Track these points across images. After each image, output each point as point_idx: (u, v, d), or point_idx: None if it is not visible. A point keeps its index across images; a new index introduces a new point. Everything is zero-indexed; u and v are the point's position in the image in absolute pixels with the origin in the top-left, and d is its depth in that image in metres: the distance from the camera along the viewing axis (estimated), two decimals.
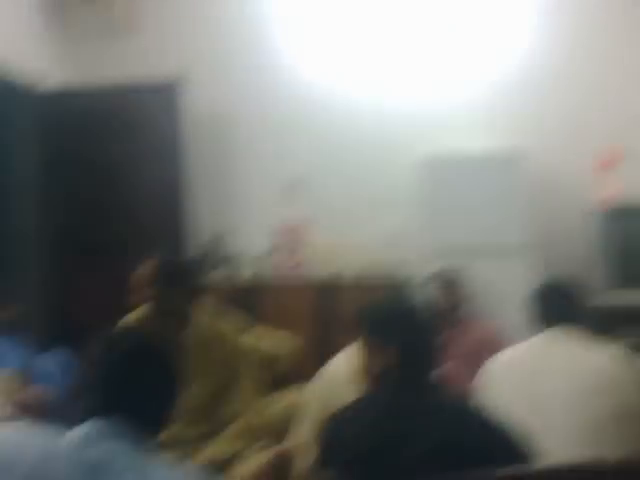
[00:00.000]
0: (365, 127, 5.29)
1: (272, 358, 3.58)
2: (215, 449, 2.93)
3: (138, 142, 5.16)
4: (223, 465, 2.84)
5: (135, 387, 1.74)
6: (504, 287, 4.35)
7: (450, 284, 4.15)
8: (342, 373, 2.50)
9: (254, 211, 5.41)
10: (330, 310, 4.76)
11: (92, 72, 5.38)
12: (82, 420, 1.68)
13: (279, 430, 2.92)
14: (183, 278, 3.13)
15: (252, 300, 4.66)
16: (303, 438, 2.65)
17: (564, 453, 2.21)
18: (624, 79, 5.15)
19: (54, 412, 3.49)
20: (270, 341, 3.78)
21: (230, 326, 3.31)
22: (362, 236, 5.16)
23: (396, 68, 5.33)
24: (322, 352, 3.10)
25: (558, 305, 2.71)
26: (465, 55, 5.27)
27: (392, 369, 2.02)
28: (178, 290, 3.07)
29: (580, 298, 2.77)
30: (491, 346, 3.02)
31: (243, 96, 5.42)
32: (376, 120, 5.29)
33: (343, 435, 1.97)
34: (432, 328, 2.12)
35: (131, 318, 3.12)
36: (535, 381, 2.52)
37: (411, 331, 2.06)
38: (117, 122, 5.18)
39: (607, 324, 4.12)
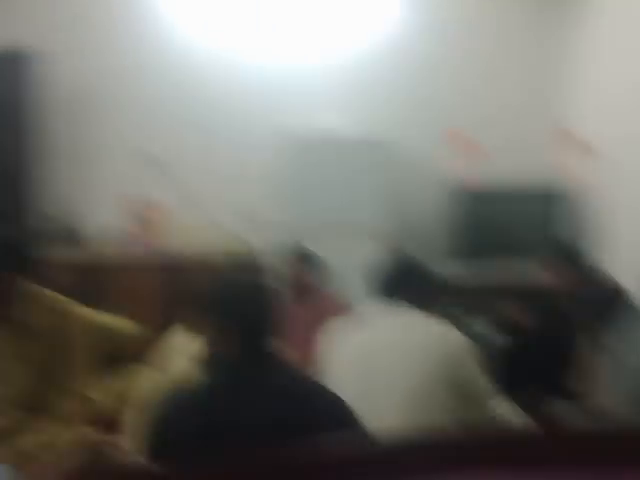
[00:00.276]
0: (224, 105, 5.17)
1: (111, 333, 3.40)
2: (37, 437, 2.68)
3: None
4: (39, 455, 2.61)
5: None
6: (356, 264, 4.30)
7: (303, 260, 4.09)
8: (180, 354, 2.44)
9: (107, 186, 5.19)
10: (180, 290, 4.56)
11: None
12: None
13: (111, 415, 2.76)
14: (12, 249, 2.90)
15: (96, 278, 4.47)
16: (135, 423, 2.56)
17: (394, 420, 2.32)
18: (481, 64, 5.28)
19: None
20: (110, 318, 3.58)
21: (66, 301, 3.04)
22: (218, 213, 5.04)
23: (259, 45, 5.21)
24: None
25: (394, 280, 2.75)
26: (330, 36, 5.23)
27: (230, 349, 1.95)
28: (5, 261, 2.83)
29: (420, 274, 2.83)
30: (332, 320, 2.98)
31: (104, 68, 5.20)
32: (236, 98, 5.17)
33: (179, 419, 1.90)
34: (271, 306, 2.05)
35: None
36: (369, 353, 2.56)
37: (248, 310, 2.00)
38: None
39: (452, 299, 4.38)
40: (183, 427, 1.88)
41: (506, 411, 2.99)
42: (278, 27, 5.20)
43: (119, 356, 3.22)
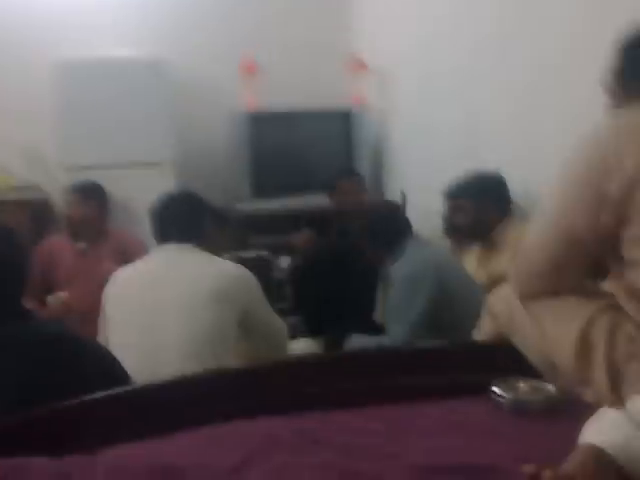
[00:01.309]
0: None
1: None
2: None
3: None
4: None
5: None
6: (144, 202, 4.19)
7: (87, 196, 3.96)
8: None
9: None
10: None
11: None
12: None
13: None
14: None
15: None
16: None
17: (177, 366, 2.27)
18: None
19: None
20: None
21: None
22: None
23: None
24: None
25: (174, 220, 2.69)
26: None
27: None
28: None
29: (202, 211, 2.76)
30: (129, 259, 2.91)
31: None
32: (6, 21, 4.78)
33: None
34: (20, 253, 1.91)
35: None
36: (149, 297, 2.51)
37: None
38: None
39: (243, 232, 4.48)
40: None
41: (302, 348, 3.16)
42: None
43: None
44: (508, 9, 3.55)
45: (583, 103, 2.44)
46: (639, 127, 1.54)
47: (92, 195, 4.02)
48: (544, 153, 3.15)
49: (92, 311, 2.75)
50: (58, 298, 3.45)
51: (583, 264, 1.67)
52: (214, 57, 5.05)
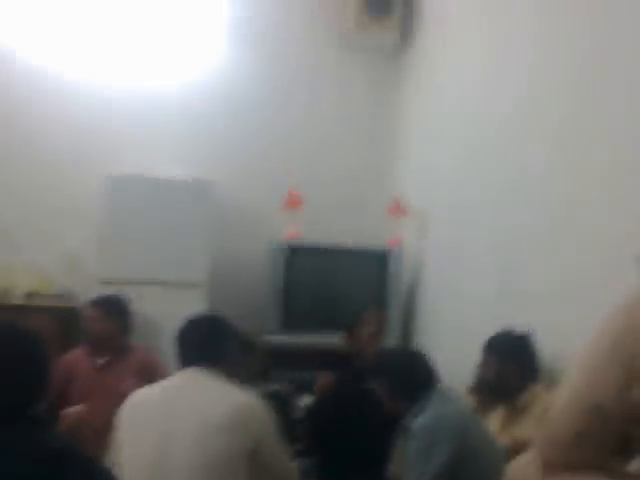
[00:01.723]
0: (52, 140, 4.98)
1: None
2: None
3: None
4: None
5: None
6: (174, 321, 4.21)
7: (109, 311, 3.95)
8: None
9: None
10: None
11: None
12: None
13: None
14: None
15: None
16: None
17: (186, 465, 2.31)
18: (320, 127, 5.39)
19: None
20: None
21: None
22: (37, 254, 4.87)
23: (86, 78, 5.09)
24: None
25: (196, 342, 2.67)
26: (160, 76, 5.18)
27: None
28: None
29: (227, 336, 2.74)
30: (149, 379, 2.93)
31: None
32: (63, 133, 4.99)
33: None
34: (43, 359, 1.92)
35: None
36: (163, 422, 2.48)
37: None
38: None
39: (267, 365, 4.21)
40: None
41: None
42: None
43: None
44: (536, 149, 3.51)
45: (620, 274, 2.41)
46: None
47: (113, 310, 3.99)
48: (579, 318, 2.89)
49: (106, 429, 2.69)
50: (74, 411, 3.27)
51: (609, 440, 1.54)
52: (260, 185, 5.19)
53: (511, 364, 3.18)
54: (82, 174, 4.88)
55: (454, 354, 3.89)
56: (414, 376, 2.96)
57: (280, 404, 3.56)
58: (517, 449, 2.32)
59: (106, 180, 4.52)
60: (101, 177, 4.54)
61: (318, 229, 4.93)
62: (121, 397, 2.69)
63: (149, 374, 3.47)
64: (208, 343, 2.68)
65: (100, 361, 3.89)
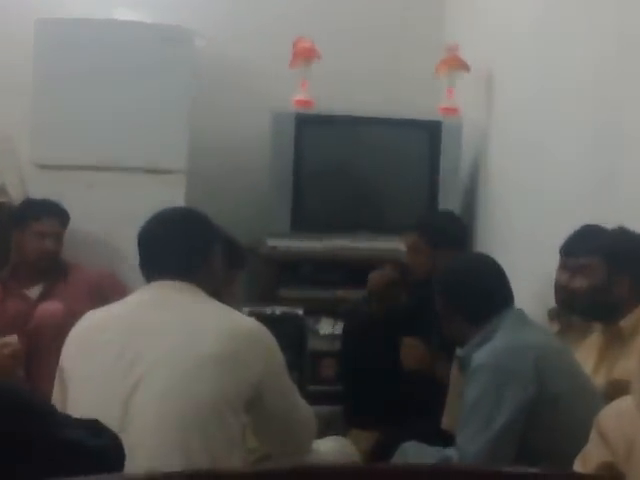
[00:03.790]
0: None
1: None
2: None
3: None
4: None
5: None
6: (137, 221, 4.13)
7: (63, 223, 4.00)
8: None
9: None
10: None
11: None
12: None
13: None
14: None
15: None
16: None
17: (153, 453, 2.23)
18: None
19: None
20: None
21: None
22: None
23: None
24: None
25: (169, 247, 2.56)
26: None
27: None
28: None
29: (210, 239, 2.63)
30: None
31: None
32: None
33: None
34: None
35: None
36: (125, 352, 2.40)
37: None
38: None
39: (272, 279, 4.50)
40: None
41: (330, 448, 2.89)
42: None
43: None
44: None
45: None
46: None
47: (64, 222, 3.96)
48: None
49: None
50: (6, 344, 3.38)
51: None
52: (258, 34, 4.89)
53: (624, 273, 3.07)
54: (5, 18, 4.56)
55: (527, 269, 3.84)
56: (484, 290, 2.94)
57: (292, 332, 3.79)
58: (616, 392, 2.42)
59: (37, 25, 4.19)
60: (30, 22, 4.23)
61: (337, 93, 4.66)
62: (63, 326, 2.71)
63: (102, 297, 3.42)
64: (186, 246, 2.55)
65: (32, 293, 3.87)
